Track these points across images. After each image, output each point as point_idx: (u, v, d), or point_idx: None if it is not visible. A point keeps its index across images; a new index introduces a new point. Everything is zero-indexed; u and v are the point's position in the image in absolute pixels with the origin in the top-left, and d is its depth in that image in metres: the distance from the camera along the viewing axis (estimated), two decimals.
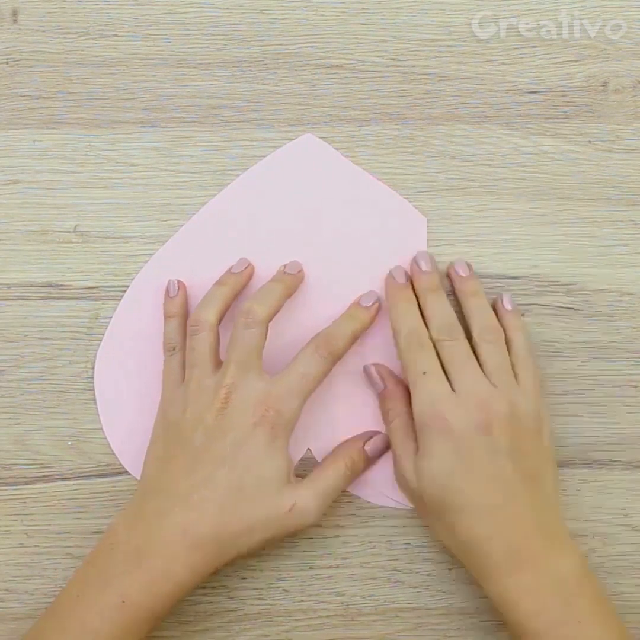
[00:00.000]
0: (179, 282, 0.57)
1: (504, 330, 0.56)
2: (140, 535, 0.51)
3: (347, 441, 0.56)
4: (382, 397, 0.56)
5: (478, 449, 0.51)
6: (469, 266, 0.57)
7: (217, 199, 0.58)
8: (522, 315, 0.58)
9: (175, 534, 0.51)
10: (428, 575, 0.57)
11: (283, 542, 0.56)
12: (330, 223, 0.58)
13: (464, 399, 0.52)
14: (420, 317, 0.55)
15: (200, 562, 0.51)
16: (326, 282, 0.57)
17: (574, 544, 0.53)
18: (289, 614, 0.57)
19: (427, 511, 0.54)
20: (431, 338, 0.54)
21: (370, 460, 0.56)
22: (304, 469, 0.57)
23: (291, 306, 0.56)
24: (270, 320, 0.54)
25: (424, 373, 0.53)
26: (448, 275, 0.58)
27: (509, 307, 0.57)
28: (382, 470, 0.57)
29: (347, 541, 0.58)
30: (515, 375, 0.54)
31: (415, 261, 0.57)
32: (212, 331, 0.54)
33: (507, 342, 0.55)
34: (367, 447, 0.56)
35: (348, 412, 0.57)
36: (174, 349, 0.56)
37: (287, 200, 0.58)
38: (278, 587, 0.57)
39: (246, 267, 0.57)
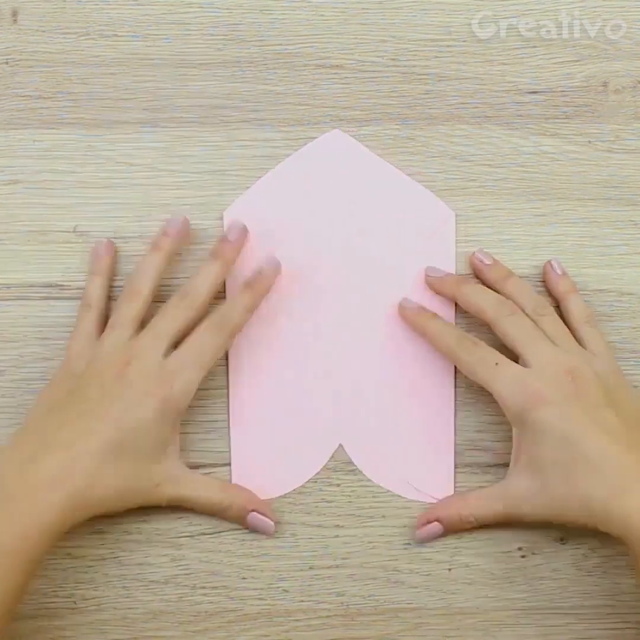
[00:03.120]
0: (108, 241, 0.57)
1: (560, 297, 0.57)
2: (12, 479, 0.51)
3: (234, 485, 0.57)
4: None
5: (578, 410, 0.52)
6: (489, 254, 0.58)
7: (245, 196, 0.58)
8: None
9: (48, 480, 0.51)
10: (428, 575, 0.57)
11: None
12: (359, 218, 0.58)
13: (547, 371, 0.53)
14: (454, 324, 0.57)
15: (70, 510, 0.51)
16: (357, 276, 0.58)
17: None
18: (289, 614, 0.57)
19: (554, 514, 0.53)
20: (488, 321, 0.55)
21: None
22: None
23: (321, 300, 0.57)
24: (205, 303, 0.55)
25: (497, 364, 0.53)
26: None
27: (559, 271, 0.57)
28: (404, 459, 0.57)
29: (347, 541, 0.58)
30: (580, 341, 0.55)
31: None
32: (143, 302, 0.55)
33: (566, 310, 0.57)
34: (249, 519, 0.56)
35: (380, 408, 0.57)
36: (90, 306, 0.56)
37: (315, 195, 0.58)
38: (278, 587, 0.57)
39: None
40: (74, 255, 0.58)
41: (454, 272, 0.58)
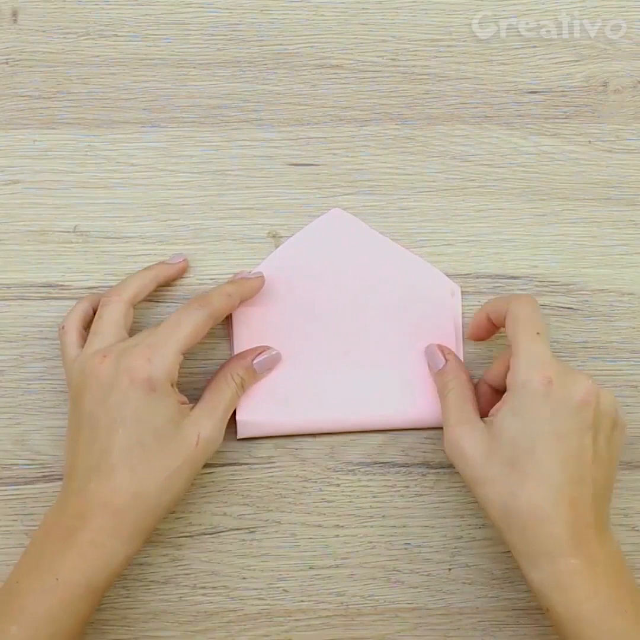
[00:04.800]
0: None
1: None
2: (68, 516, 0.51)
3: (235, 357, 0.57)
4: (440, 373, 0.56)
5: (570, 422, 0.51)
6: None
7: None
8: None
9: (96, 506, 0.51)
10: (428, 575, 0.57)
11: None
12: (362, 294, 0.58)
13: (568, 373, 0.52)
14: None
15: (126, 529, 0.51)
16: (359, 350, 0.58)
17: (614, 535, 0.53)
18: (289, 614, 0.57)
19: (483, 475, 0.52)
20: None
21: (257, 376, 0.56)
22: None
23: (321, 371, 0.57)
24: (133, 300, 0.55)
25: (538, 333, 0.52)
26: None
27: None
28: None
29: (347, 541, 0.58)
30: None
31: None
32: (122, 304, 0.55)
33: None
34: (255, 363, 0.56)
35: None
36: (63, 328, 0.56)
37: (318, 273, 0.58)
38: (278, 587, 0.57)
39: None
40: (74, 255, 0.58)
41: (460, 343, 0.58)
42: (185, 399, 0.54)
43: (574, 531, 0.50)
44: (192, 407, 0.54)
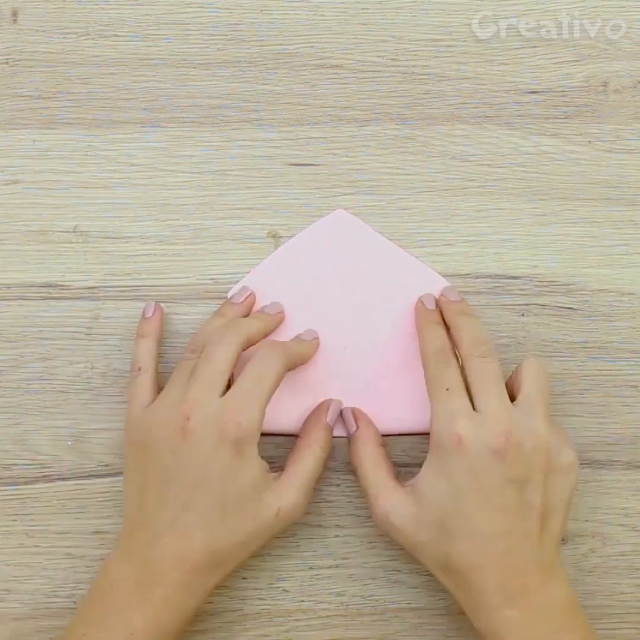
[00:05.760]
0: (156, 304, 0.57)
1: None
2: (137, 569, 0.51)
3: (309, 421, 0.56)
4: (353, 439, 0.56)
5: (490, 476, 0.50)
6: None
7: (253, 272, 0.58)
8: (522, 315, 0.58)
9: (170, 562, 0.51)
10: (428, 575, 0.57)
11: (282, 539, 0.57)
12: (363, 297, 0.58)
13: (485, 421, 0.51)
14: (447, 338, 0.55)
15: (198, 584, 0.51)
16: (359, 352, 0.58)
17: (564, 577, 0.52)
18: (289, 614, 0.57)
19: (416, 541, 0.52)
20: (460, 356, 0.54)
21: (332, 430, 0.56)
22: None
23: (319, 372, 0.57)
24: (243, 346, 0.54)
25: (447, 389, 0.52)
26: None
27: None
28: (394, 401, 0.57)
29: (347, 541, 0.58)
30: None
31: (443, 295, 0.57)
32: (237, 347, 0.53)
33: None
34: (328, 420, 0.56)
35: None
36: (139, 370, 0.55)
37: (320, 272, 0.58)
38: (278, 587, 0.57)
39: (247, 297, 0.57)
40: (74, 255, 0.58)
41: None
42: (268, 466, 0.53)
43: (506, 584, 0.50)
44: (277, 477, 0.53)
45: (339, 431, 0.57)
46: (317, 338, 0.57)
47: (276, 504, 0.52)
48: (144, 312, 0.57)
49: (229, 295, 0.58)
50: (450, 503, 0.51)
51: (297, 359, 0.55)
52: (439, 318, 0.56)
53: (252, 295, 0.57)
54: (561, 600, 0.51)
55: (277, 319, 0.57)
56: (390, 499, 0.53)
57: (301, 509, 0.53)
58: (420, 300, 0.57)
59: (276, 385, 0.52)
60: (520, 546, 0.51)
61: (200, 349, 0.54)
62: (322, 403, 0.57)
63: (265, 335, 0.55)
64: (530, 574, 0.51)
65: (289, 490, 0.53)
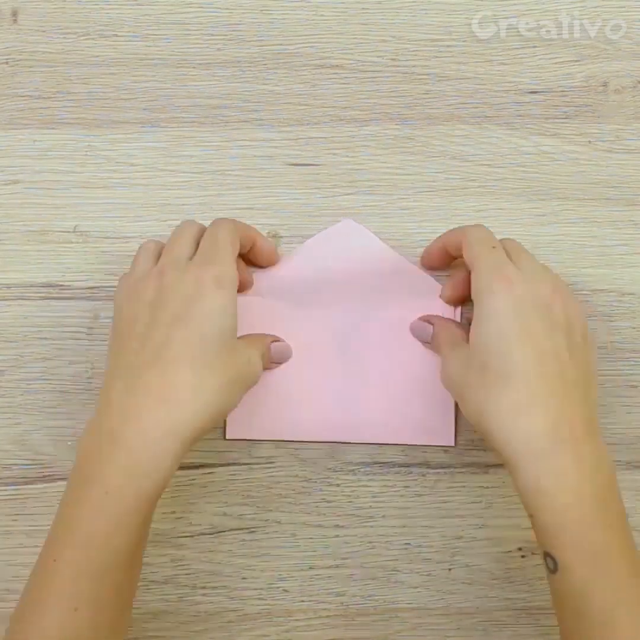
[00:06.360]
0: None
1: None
2: (113, 416, 0.49)
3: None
4: (432, 334, 0.56)
5: (536, 319, 0.50)
6: None
7: (258, 278, 0.58)
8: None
9: (150, 402, 0.49)
10: (428, 575, 0.57)
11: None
12: (366, 305, 0.58)
13: (530, 276, 0.51)
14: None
15: (182, 428, 0.49)
16: (357, 361, 0.58)
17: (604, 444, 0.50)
18: (289, 614, 0.57)
19: (462, 385, 0.51)
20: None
21: (270, 359, 0.56)
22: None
23: (315, 377, 0.57)
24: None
25: (494, 247, 0.53)
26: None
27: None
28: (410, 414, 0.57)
29: (347, 541, 0.58)
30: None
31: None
32: (198, 231, 0.54)
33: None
34: (273, 347, 0.56)
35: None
36: (147, 242, 0.55)
37: (326, 278, 0.58)
38: (278, 587, 0.57)
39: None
40: (74, 255, 0.58)
41: None
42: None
43: (555, 427, 0.48)
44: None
45: (343, 436, 0.57)
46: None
47: (246, 354, 0.52)
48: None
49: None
50: (497, 344, 0.50)
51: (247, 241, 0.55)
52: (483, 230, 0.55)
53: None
54: (608, 464, 0.49)
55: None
56: (451, 353, 0.53)
57: (260, 371, 0.53)
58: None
59: (235, 242, 0.53)
60: (568, 391, 0.49)
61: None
62: (270, 335, 0.56)
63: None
64: (579, 422, 0.48)
65: (253, 350, 0.53)
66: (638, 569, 0.48)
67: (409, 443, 0.57)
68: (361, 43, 0.59)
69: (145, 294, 0.52)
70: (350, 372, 0.57)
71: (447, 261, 0.57)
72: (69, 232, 0.58)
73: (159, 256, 0.54)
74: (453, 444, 0.57)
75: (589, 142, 0.59)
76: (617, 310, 0.58)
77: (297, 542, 0.58)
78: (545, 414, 0.48)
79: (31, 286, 0.58)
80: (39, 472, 0.57)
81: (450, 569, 0.57)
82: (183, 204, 0.59)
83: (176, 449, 0.49)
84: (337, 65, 0.59)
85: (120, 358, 0.51)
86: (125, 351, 0.51)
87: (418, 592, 0.57)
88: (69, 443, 0.57)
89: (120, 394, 0.49)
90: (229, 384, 0.51)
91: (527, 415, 0.48)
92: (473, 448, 0.58)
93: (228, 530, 0.57)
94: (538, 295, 0.51)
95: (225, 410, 0.52)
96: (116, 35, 0.59)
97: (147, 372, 0.49)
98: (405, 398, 0.57)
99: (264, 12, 0.59)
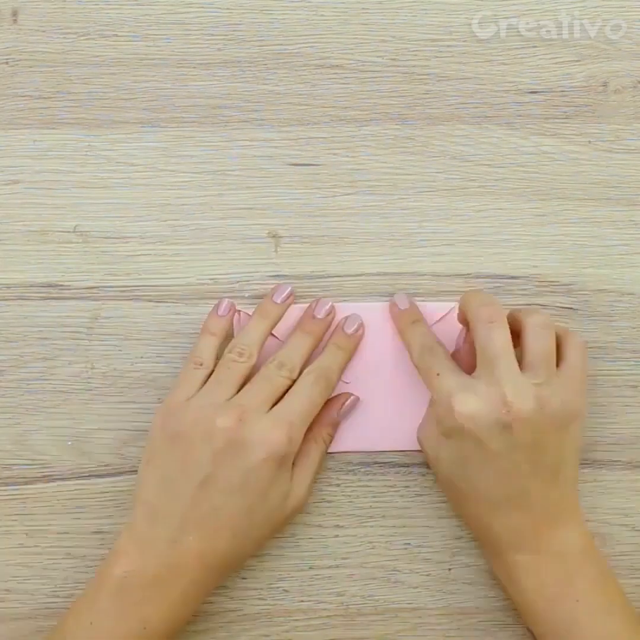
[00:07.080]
0: (231, 303, 0.57)
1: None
2: (156, 563, 0.51)
3: (321, 414, 0.56)
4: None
5: (496, 443, 0.51)
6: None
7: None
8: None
9: (192, 561, 0.51)
10: (428, 575, 0.57)
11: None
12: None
13: (488, 393, 0.51)
14: (429, 331, 0.56)
15: (213, 582, 0.53)
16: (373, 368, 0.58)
17: (582, 524, 0.53)
18: (289, 614, 0.57)
19: (438, 461, 0.54)
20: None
21: (338, 426, 0.57)
22: None
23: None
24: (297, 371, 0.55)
25: (438, 374, 0.53)
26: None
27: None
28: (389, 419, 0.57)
29: (347, 541, 0.58)
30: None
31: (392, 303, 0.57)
32: (251, 361, 0.54)
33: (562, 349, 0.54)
34: (339, 416, 0.56)
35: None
36: (201, 365, 0.55)
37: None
38: (278, 587, 0.57)
39: (288, 296, 0.57)
40: (74, 255, 0.58)
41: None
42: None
43: (519, 532, 0.52)
44: None
45: (350, 445, 0.57)
46: (361, 325, 0.57)
47: (290, 505, 0.54)
48: (217, 308, 0.57)
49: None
50: (460, 469, 0.52)
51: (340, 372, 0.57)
52: (416, 314, 0.57)
53: (292, 295, 0.57)
54: (574, 545, 0.53)
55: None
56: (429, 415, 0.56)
57: (305, 504, 0.55)
58: (393, 302, 0.57)
59: (316, 410, 0.54)
60: (530, 504, 0.52)
61: (248, 353, 0.54)
62: (339, 396, 0.57)
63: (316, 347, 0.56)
64: (542, 523, 0.52)
65: (299, 488, 0.54)
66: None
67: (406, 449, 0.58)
68: (361, 43, 0.59)
69: (212, 438, 0.52)
70: (351, 386, 0.57)
71: None
72: (69, 232, 0.58)
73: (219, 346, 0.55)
74: None
75: (589, 142, 0.59)
76: (617, 310, 0.58)
77: (297, 542, 0.58)
78: (506, 529, 0.52)
79: (31, 286, 0.58)
80: (39, 472, 0.57)
81: (450, 569, 0.57)
82: (183, 204, 0.59)
83: (206, 597, 0.55)
84: (337, 65, 0.59)
85: (169, 504, 0.52)
86: (176, 501, 0.52)
87: (418, 592, 0.57)
88: (69, 443, 0.57)
89: (165, 543, 0.52)
90: (262, 545, 0.56)
91: (492, 530, 0.53)
92: None
93: None
94: (495, 421, 0.50)
95: (248, 558, 0.56)
96: (116, 35, 0.59)
97: (196, 533, 0.52)
98: (401, 409, 0.57)
99: (264, 12, 0.59)
